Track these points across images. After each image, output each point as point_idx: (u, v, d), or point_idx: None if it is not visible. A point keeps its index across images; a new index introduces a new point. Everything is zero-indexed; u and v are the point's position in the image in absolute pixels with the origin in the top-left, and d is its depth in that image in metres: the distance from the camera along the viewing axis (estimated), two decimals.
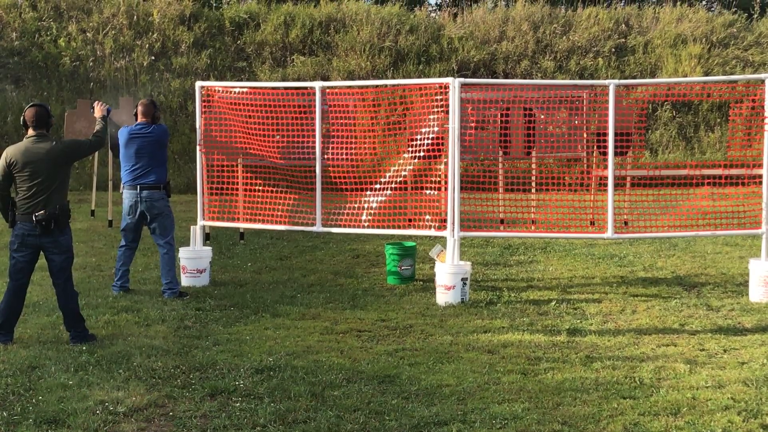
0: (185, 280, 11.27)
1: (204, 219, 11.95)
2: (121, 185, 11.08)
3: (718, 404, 6.78)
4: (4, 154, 8.40)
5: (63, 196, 8.42)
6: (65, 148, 8.54)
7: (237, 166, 12.54)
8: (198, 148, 11.85)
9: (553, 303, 10.26)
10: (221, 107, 11.94)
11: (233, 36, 25.15)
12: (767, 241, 10.61)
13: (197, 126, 11.85)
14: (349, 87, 12.06)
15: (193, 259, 11.33)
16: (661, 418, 6.51)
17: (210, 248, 11.76)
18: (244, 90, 12.08)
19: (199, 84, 12.03)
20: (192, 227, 11.75)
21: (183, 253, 11.39)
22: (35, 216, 8.23)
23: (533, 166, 15.05)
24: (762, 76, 10.91)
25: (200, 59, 24.37)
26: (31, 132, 8.43)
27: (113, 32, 24.43)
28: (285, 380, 7.39)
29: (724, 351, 8.30)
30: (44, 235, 8.31)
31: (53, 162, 8.32)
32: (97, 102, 9.37)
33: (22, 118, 8.50)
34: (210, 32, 25.13)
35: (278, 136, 12.01)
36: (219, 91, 12.02)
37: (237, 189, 12.27)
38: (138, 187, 10.63)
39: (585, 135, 14.84)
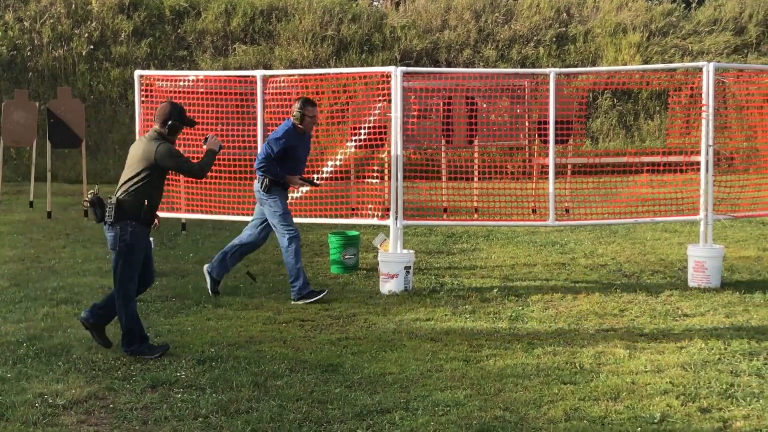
0: None
1: None
2: None
3: (657, 388, 6.87)
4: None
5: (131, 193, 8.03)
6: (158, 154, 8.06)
7: None
8: (138, 138, 11.74)
9: (496, 290, 10.32)
10: (161, 97, 11.82)
11: (173, 25, 24.94)
12: (705, 227, 10.76)
13: (137, 116, 11.73)
14: (291, 76, 11.99)
15: None
16: (601, 403, 6.57)
17: (151, 239, 11.63)
18: (186, 79, 11.97)
19: (138, 73, 11.91)
20: None
21: None
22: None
23: (476, 154, 15.11)
24: (700, 64, 11.05)
25: (140, 48, 24.14)
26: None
27: (51, 21, 24.09)
28: (227, 370, 7.35)
29: (663, 336, 8.41)
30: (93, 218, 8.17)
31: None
32: (212, 135, 8.90)
33: None
34: (150, 21, 24.89)
35: (220, 126, 11.93)
36: (159, 80, 11.90)
37: (178, 178, 12.16)
38: None
39: (527, 123, 14.93)
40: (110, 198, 7.88)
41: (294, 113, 10.05)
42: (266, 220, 10.21)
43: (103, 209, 7.90)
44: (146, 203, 7.88)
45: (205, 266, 10.39)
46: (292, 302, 9.84)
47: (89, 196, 8.00)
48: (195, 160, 8.41)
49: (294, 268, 9.91)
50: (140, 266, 7.99)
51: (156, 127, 8.03)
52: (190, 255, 12.60)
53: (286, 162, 10.00)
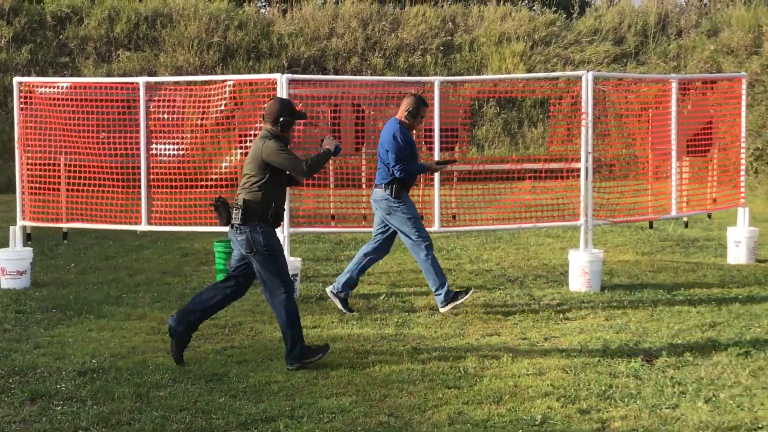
0: (5, 283, 10.90)
1: (24, 219, 11.57)
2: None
3: (539, 391, 6.99)
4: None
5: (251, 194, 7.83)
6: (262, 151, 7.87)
7: (59, 164, 12.17)
8: (17, 146, 11.48)
9: (382, 297, 10.37)
10: (42, 104, 11.58)
11: (55, 30, 24.44)
12: (585, 232, 11.01)
13: (15, 123, 11.47)
14: (176, 83, 11.88)
15: (13, 260, 10.96)
16: (484, 406, 6.66)
17: (30, 249, 11.40)
18: (66, 86, 11.74)
19: (17, 80, 11.64)
20: (11, 228, 11.37)
21: (2, 254, 11.00)
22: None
23: (363, 162, 15.16)
24: (579, 73, 11.30)
25: (20, 54, 23.58)
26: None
27: None
28: (109, 382, 7.23)
29: (545, 339, 8.57)
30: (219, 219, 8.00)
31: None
32: (329, 136, 8.48)
33: None
34: (31, 26, 24.34)
35: (103, 134, 11.73)
36: (39, 87, 11.65)
37: (59, 187, 11.92)
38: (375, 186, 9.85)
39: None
40: (235, 200, 7.75)
41: (409, 109, 9.67)
42: (387, 227, 9.85)
43: (229, 211, 7.79)
44: (273, 205, 7.78)
45: (329, 289, 9.96)
46: (441, 311, 9.60)
47: (214, 199, 7.89)
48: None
49: (436, 277, 9.59)
50: (285, 262, 7.86)
51: (267, 126, 7.91)
52: (72, 265, 12.35)
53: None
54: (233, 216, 7.76)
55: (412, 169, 9.67)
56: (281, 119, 7.85)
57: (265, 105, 8.00)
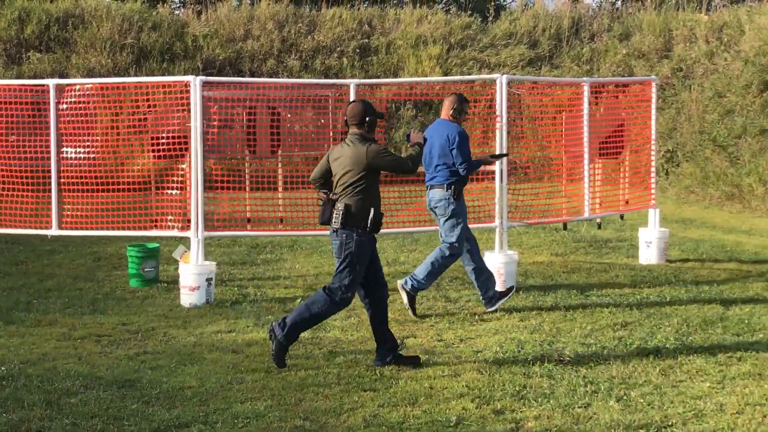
0: None
1: None
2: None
3: (454, 392, 7.03)
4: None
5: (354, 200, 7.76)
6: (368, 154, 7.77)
7: None
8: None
9: (299, 300, 10.33)
10: None
11: None
12: (500, 234, 11.10)
13: None
14: (87, 84, 11.67)
15: None
16: (399, 408, 6.68)
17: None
18: None
19: None
20: None
21: None
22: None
23: (279, 164, 15.08)
24: (494, 76, 11.40)
25: None
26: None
27: None
28: (18, 389, 7.08)
29: (461, 341, 8.62)
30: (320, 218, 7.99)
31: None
32: (412, 131, 8.31)
33: None
34: None
35: (12, 137, 11.50)
36: None
37: None
38: (428, 187, 9.92)
39: (331, 134, 15.01)
40: (337, 203, 7.71)
41: (454, 107, 9.80)
42: None
43: (331, 212, 7.74)
44: (373, 211, 7.75)
45: (399, 282, 9.89)
46: (489, 311, 9.75)
47: (324, 195, 7.84)
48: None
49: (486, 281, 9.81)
50: (363, 274, 7.87)
51: (354, 130, 7.83)
52: None
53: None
54: (333, 219, 7.74)
55: (474, 165, 9.84)
56: (367, 119, 7.83)
57: (347, 108, 7.96)
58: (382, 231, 12.06)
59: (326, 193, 7.88)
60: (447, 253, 9.81)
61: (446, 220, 9.81)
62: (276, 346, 7.70)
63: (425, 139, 8.28)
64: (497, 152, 10.83)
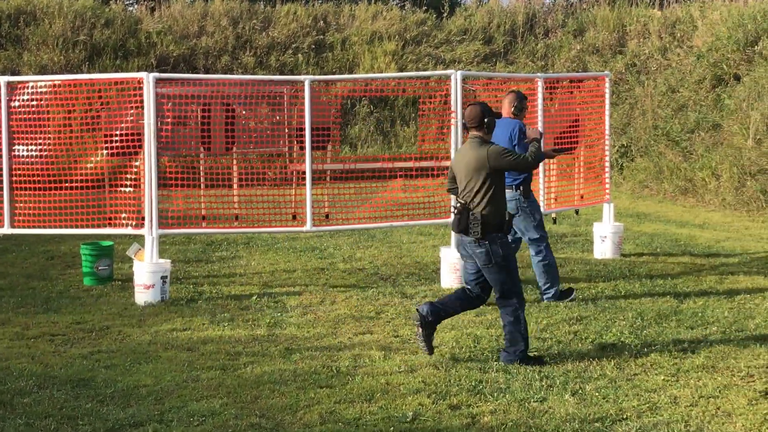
0: None
1: None
2: None
3: (410, 388, 7.03)
4: None
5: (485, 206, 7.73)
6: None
7: None
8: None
9: (255, 297, 10.30)
10: None
11: None
12: None
13: None
14: (40, 82, 11.54)
15: None
16: (356, 405, 6.67)
17: None
18: None
19: None
20: None
21: None
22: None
23: (234, 161, 15.01)
24: (448, 72, 11.41)
25: None
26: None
27: None
28: None
29: None
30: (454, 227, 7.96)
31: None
32: (528, 126, 8.22)
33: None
34: None
35: None
36: None
37: None
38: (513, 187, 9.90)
39: (286, 130, 14.97)
40: (471, 213, 7.70)
41: (515, 104, 9.95)
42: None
43: (468, 221, 7.70)
44: (504, 213, 7.81)
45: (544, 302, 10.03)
46: (550, 301, 9.96)
47: (458, 204, 7.81)
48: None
49: (548, 278, 10.02)
50: (517, 272, 7.91)
51: (473, 133, 7.86)
52: None
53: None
54: (471, 229, 7.71)
55: (540, 157, 9.75)
56: (486, 120, 7.83)
57: (465, 112, 7.95)
58: (338, 227, 12.12)
59: (464, 204, 7.81)
60: (537, 250, 10.10)
61: (523, 219, 10.04)
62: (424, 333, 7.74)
63: (541, 135, 8.39)
64: (553, 148, 10.99)
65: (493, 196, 7.76)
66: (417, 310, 7.84)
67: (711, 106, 20.51)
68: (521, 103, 10.09)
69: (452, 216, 8.00)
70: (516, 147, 9.70)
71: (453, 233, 7.74)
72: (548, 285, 10.08)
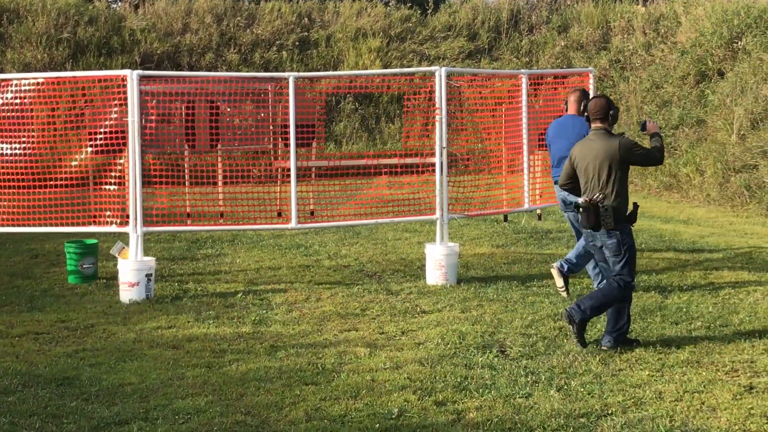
0: None
1: None
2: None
3: (396, 384, 7.04)
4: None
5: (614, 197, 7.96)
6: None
7: None
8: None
9: (240, 295, 10.28)
10: None
11: None
12: (441, 226, 11.13)
13: None
14: (25, 79, 11.49)
15: None
16: (341, 402, 6.67)
17: None
18: None
19: None
20: None
21: None
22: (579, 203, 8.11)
23: (219, 159, 14.97)
24: (433, 68, 11.41)
25: None
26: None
27: None
28: None
29: (402, 333, 8.63)
30: (585, 224, 8.08)
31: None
32: (648, 120, 8.45)
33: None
34: None
35: None
36: None
37: None
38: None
39: (271, 127, 14.94)
40: (601, 204, 7.89)
41: (583, 103, 9.74)
42: None
43: (598, 215, 7.87)
44: (633, 204, 8.02)
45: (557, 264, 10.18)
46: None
47: (584, 200, 7.96)
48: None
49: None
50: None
51: (597, 124, 8.09)
52: None
53: None
54: (604, 221, 7.90)
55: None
56: (611, 112, 8.09)
57: (589, 104, 8.19)
58: (323, 224, 12.12)
59: (591, 199, 7.96)
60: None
61: None
62: (576, 328, 7.95)
63: (660, 128, 8.53)
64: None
65: (620, 187, 7.98)
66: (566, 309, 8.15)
67: (695, 102, 20.57)
68: (588, 101, 10.13)
69: (579, 212, 8.09)
70: None
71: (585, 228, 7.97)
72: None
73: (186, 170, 13.75)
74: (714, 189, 17.79)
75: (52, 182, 11.26)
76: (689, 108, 20.47)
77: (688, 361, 7.65)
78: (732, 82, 19.74)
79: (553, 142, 10.40)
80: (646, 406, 6.61)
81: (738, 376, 7.29)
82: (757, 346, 8.04)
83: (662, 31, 24.15)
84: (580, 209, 8.02)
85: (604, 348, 7.96)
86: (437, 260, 10.78)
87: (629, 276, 8.05)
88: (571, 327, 8.01)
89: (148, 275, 10.17)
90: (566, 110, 10.56)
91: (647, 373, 7.35)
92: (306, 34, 26.16)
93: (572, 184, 8.34)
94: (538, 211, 13.60)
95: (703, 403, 6.66)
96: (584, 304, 7.98)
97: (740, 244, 13.32)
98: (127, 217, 10.62)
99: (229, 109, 14.36)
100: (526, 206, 12.54)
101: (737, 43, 20.83)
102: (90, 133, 11.39)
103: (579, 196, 8.29)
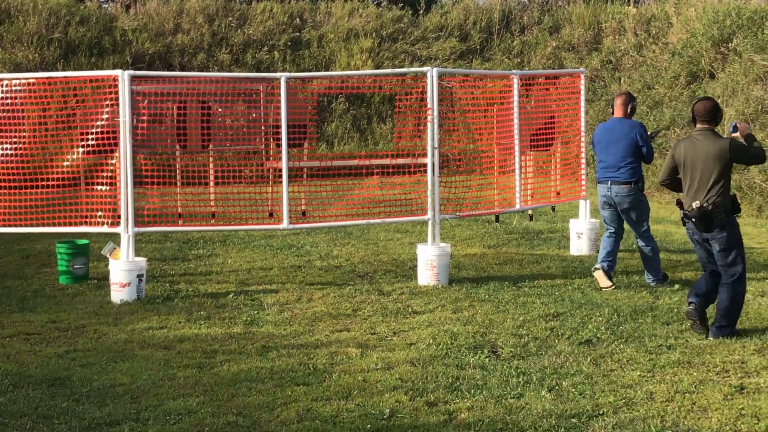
0: None
1: None
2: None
3: (387, 385, 7.04)
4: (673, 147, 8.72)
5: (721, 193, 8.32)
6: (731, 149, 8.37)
7: None
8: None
9: (231, 295, 10.27)
10: None
11: None
12: (433, 226, 11.13)
13: None
14: (16, 79, 11.47)
15: None
16: (333, 402, 6.67)
17: None
18: None
19: None
20: None
21: None
22: (687, 211, 8.40)
23: (211, 159, 14.96)
24: (424, 69, 11.42)
25: None
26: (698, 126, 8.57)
27: None
28: None
29: (394, 333, 8.63)
30: (702, 230, 8.38)
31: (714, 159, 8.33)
32: (738, 122, 8.78)
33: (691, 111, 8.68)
34: None
35: None
36: None
37: None
38: (609, 182, 10.58)
39: (263, 128, 14.93)
40: (704, 205, 8.24)
41: (632, 105, 10.74)
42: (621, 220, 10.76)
43: (711, 218, 8.24)
44: (734, 195, 8.42)
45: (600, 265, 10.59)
46: (651, 284, 10.65)
47: (694, 209, 8.30)
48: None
49: (657, 267, 10.70)
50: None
51: (704, 125, 8.48)
52: None
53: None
54: (716, 220, 8.26)
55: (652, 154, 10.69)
56: (718, 114, 8.51)
57: (695, 106, 8.56)
58: (315, 225, 12.12)
59: (702, 208, 8.27)
60: (646, 240, 10.70)
61: (637, 214, 10.64)
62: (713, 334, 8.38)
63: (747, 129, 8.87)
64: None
65: (726, 183, 8.33)
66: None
67: (686, 103, 20.60)
68: (634, 103, 10.82)
69: (692, 221, 8.41)
70: (643, 148, 10.50)
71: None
72: (654, 269, 10.70)
73: (177, 170, 13.73)
74: None
75: (43, 182, 11.24)
76: (680, 109, 20.50)
77: (680, 361, 7.67)
78: (723, 83, 19.79)
79: (603, 146, 10.70)
80: (637, 406, 6.62)
81: (729, 376, 7.31)
82: (748, 347, 8.06)
83: (653, 32, 24.19)
84: (693, 219, 8.35)
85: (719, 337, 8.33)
86: (429, 261, 10.78)
87: (741, 266, 8.40)
88: (693, 324, 8.48)
89: (139, 276, 10.16)
90: (612, 113, 10.87)
91: (638, 373, 7.36)
92: (298, 34, 26.15)
93: (670, 181, 8.80)
94: (530, 212, 13.63)
95: (694, 404, 6.67)
96: (717, 321, 8.42)
97: None
98: (119, 217, 10.60)
99: (220, 110, 14.34)
100: (517, 207, 12.56)
101: (728, 44, 20.88)
102: (81, 134, 11.36)
103: (675, 191, 8.87)
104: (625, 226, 10.87)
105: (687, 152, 8.45)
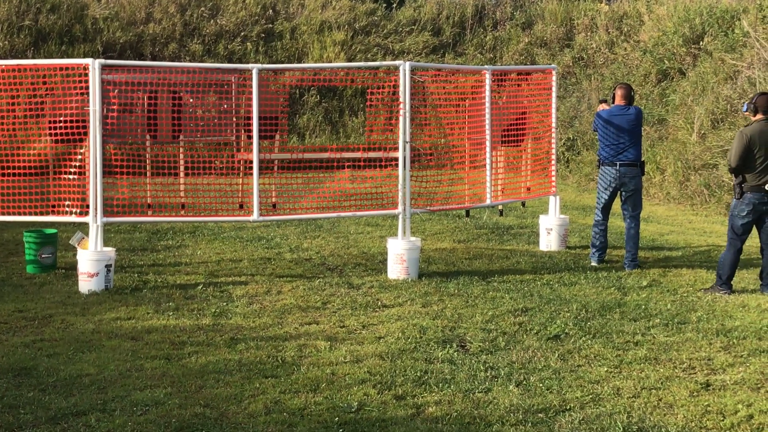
0: None
1: None
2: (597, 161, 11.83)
3: (355, 378, 7.04)
4: (743, 134, 9.95)
5: None
6: None
7: None
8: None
9: (200, 287, 10.23)
10: None
11: None
12: (403, 220, 11.14)
13: None
14: None
15: None
16: (301, 395, 6.66)
17: None
18: None
19: None
20: None
21: None
22: (766, 187, 9.88)
23: (181, 150, 14.88)
24: (397, 63, 11.41)
25: None
26: (760, 116, 9.95)
27: None
28: None
29: (363, 327, 8.63)
30: None
31: None
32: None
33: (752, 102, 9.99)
34: None
35: None
36: None
37: None
38: (617, 164, 11.48)
39: (234, 119, 14.87)
40: None
41: (631, 95, 11.76)
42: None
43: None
44: None
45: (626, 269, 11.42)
46: (627, 270, 11.33)
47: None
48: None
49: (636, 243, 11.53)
50: None
51: (764, 116, 9.94)
52: None
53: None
54: None
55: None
56: None
57: (756, 98, 9.96)
58: (285, 217, 12.07)
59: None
60: (637, 222, 11.56)
61: (638, 193, 11.59)
62: None
63: None
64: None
65: None
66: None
67: (657, 101, 20.73)
68: (632, 92, 11.81)
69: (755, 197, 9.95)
70: (641, 129, 11.75)
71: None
72: (636, 252, 11.47)
73: (147, 161, 13.65)
74: (674, 187, 17.95)
75: (11, 170, 11.14)
76: (651, 107, 20.62)
77: (646, 357, 7.72)
78: (693, 81, 19.91)
79: (611, 130, 11.56)
80: (604, 402, 6.66)
81: (695, 373, 7.36)
82: (715, 344, 8.12)
83: (625, 29, 24.30)
84: None
85: None
86: (399, 254, 10.79)
87: None
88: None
89: (107, 266, 10.10)
90: (613, 101, 11.83)
91: (605, 369, 7.40)
92: (270, 25, 26.06)
93: (743, 164, 9.91)
94: (500, 207, 13.66)
95: (660, 400, 6.72)
96: None
97: (699, 243, 13.45)
98: (87, 207, 10.53)
99: (191, 100, 14.27)
100: (488, 202, 12.58)
101: (699, 43, 21.01)
102: (50, 122, 11.27)
103: (745, 173, 9.94)
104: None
105: (761, 139, 9.85)
